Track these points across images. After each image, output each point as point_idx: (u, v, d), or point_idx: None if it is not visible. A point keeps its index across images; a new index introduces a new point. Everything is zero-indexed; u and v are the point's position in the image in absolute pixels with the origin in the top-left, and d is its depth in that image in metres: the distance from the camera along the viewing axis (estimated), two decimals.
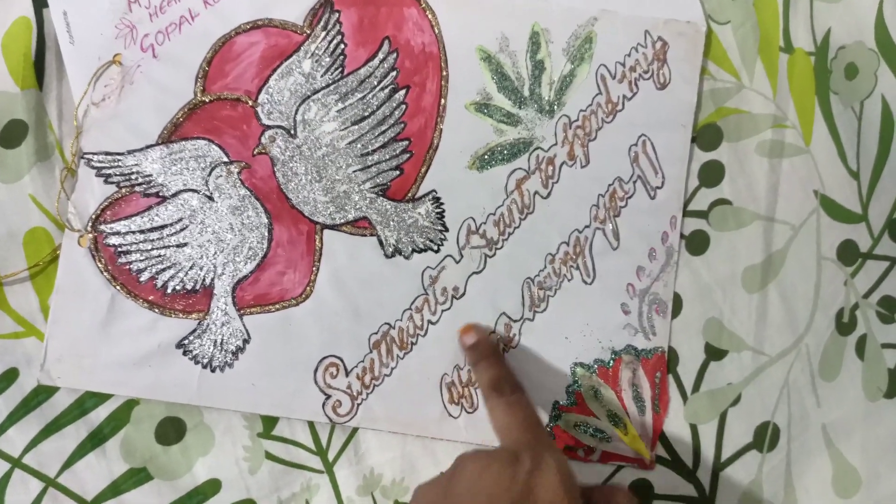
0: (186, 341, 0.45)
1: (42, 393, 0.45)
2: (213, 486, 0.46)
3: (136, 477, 0.45)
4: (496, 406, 0.40)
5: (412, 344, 0.46)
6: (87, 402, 0.45)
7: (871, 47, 0.49)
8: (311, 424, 0.46)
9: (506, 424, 0.39)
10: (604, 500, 0.39)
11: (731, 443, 0.47)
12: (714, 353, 0.47)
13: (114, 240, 0.45)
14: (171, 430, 0.45)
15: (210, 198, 0.45)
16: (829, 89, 0.49)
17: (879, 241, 0.49)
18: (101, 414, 0.45)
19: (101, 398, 0.45)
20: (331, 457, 0.46)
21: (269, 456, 0.46)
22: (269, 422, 0.46)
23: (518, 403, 0.40)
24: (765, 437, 0.47)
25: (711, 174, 0.48)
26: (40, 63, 0.45)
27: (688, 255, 0.47)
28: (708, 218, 0.48)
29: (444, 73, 0.47)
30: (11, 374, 0.45)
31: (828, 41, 0.49)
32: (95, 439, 0.45)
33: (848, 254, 0.48)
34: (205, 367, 0.45)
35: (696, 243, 0.47)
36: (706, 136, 0.48)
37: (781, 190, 0.48)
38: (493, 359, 0.44)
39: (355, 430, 0.46)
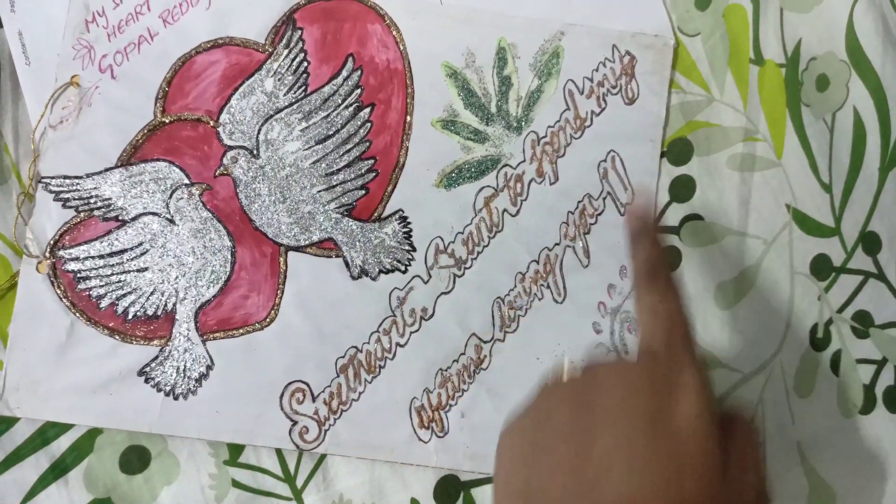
0: (148, 368, 0.44)
1: (2, 423, 0.44)
2: None
3: None
4: (647, 293, 0.33)
5: (380, 367, 0.45)
6: (48, 431, 0.44)
7: (843, 58, 0.49)
8: (279, 451, 0.45)
9: (653, 317, 0.32)
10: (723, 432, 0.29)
11: None
12: None
13: (73, 265, 0.44)
14: (134, 459, 0.44)
15: (171, 221, 0.44)
16: (801, 101, 0.48)
17: (853, 254, 0.48)
18: (62, 444, 0.44)
19: (63, 428, 0.44)
20: (299, 483, 0.45)
21: (236, 483, 0.45)
22: (235, 449, 0.45)
23: (673, 295, 0.32)
24: None
25: (682, 189, 0.47)
26: None
27: None
28: (679, 234, 0.47)
29: (410, 90, 0.46)
30: None
31: (798, 52, 0.49)
32: (57, 469, 0.44)
33: (821, 268, 0.48)
34: (167, 394, 0.44)
35: (669, 260, 0.47)
36: (676, 150, 0.47)
37: (753, 204, 0.48)
38: (655, 236, 0.35)
39: (323, 455, 0.45)
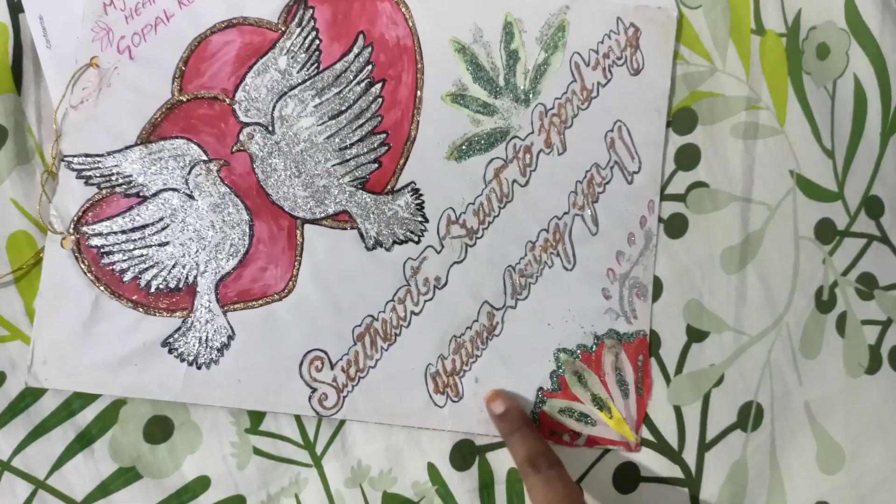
0: (171, 339, 0.45)
1: (29, 396, 0.45)
2: (201, 484, 0.46)
3: (125, 476, 0.45)
4: (534, 483, 0.40)
5: (396, 335, 0.46)
6: (73, 403, 0.45)
7: (842, 27, 0.50)
8: (298, 419, 0.46)
9: (544, 501, 0.40)
10: None
11: (715, 423, 0.47)
12: (695, 335, 0.48)
13: (96, 241, 0.45)
14: (158, 429, 0.46)
15: (190, 196, 0.46)
16: (802, 70, 0.49)
17: (856, 218, 0.49)
18: (88, 415, 0.45)
19: (88, 399, 0.45)
20: (318, 450, 0.46)
21: (257, 451, 0.46)
22: (256, 417, 0.46)
23: (557, 478, 0.40)
24: (748, 417, 0.48)
25: (687, 157, 0.48)
26: (18, 68, 0.46)
27: (666, 238, 0.48)
28: (685, 201, 0.48)
29: (420, 66, 0.48)
30: None
31: (798, 22, 0.50)
32: (83, 440, 0.45)
33: (825, 232, 0.49)
34: (190, 364, 0.45)
35: (675, 227, 0.48)
36: (681, 119, 0.48)
37: (757, 171, 0.49)
38: (527, 430, 0.43)
39: (342, 422, 0.46)
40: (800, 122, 0.49)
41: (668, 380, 0.47)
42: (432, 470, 0.46)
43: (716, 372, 0.47)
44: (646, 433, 0.47)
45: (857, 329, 0.49)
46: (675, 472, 0.47)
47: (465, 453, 0.46)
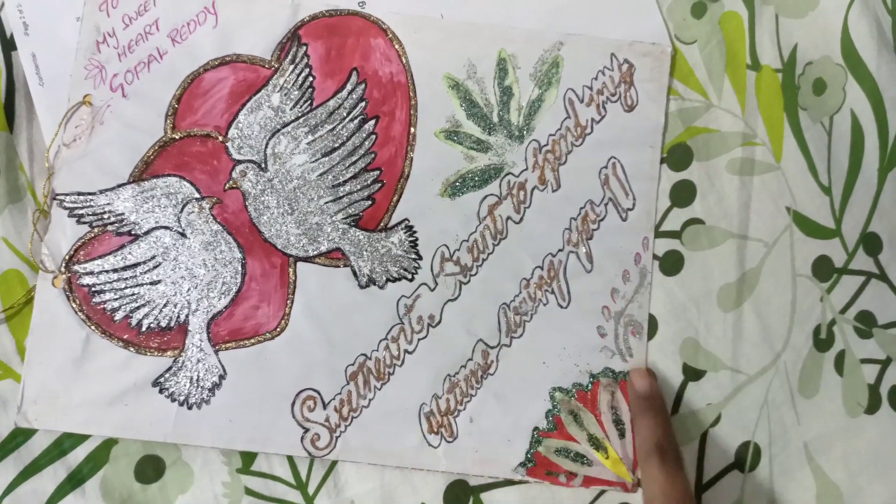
0: (162, 379, 0.45)
1: (19, 435, 0.45)
2: None
3: None
4: (656, 474, 0.40)
5: (389, 374, 0.46)
6: (64, 442, 0.45)
7: (839, 62, 0.50)
8: (290, 458, 0.46)
9: (662, 496, 0.39)
10: None
11: (712, 464, 0.47)
12: (692, 374, 0.47)
13: (87, 280, 0.45)
14: (149, 469, 0.45)
15: (182, 234, 0.46)
16: (798, 105, 0.49)
17: (854, 255, 0.49)
18: (79, 454, 0.45)
19: (79, 439, 0.45)
20: (311, 490, 0.46)
21: (249, 491, 0.45)
22: (248, 457, 0.46)
23: (680, 477, 0.40)
24: (746, 457, 0.47)
25: (683, 194, 0.48)
26: (10, 105, 0.46)
27: (662, 275, 0.47)
28: (681, 238, 0.48)
29: (413, 102, 0.47)
30: None
31: (794, 57, 0.49)
32: (74, 480, 0.45)
33: (823, 269, 0.48)
34: (181, 404, 0.45)
35: (670, 263, 0.48)
36: (676, 155, 0.48)
37: (753, 207, 0.48)
38: (663, 416, 0.43)
39: (334, 462, 0.46)
40: (796, 159, 0.49)
41: None
42: None
43: (713, 411, 0.47)
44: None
45: (855, 368, 0.48)
46: None
47: (458, 493, 0.46)
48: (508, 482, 0.46)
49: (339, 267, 0.46)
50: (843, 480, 0.47)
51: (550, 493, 0.46)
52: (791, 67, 0.49)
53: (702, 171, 0.48)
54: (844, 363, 0.48)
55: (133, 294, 0.45)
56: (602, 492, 0.46)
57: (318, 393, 0.45)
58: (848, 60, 0.50)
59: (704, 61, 0.49)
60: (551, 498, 0.46)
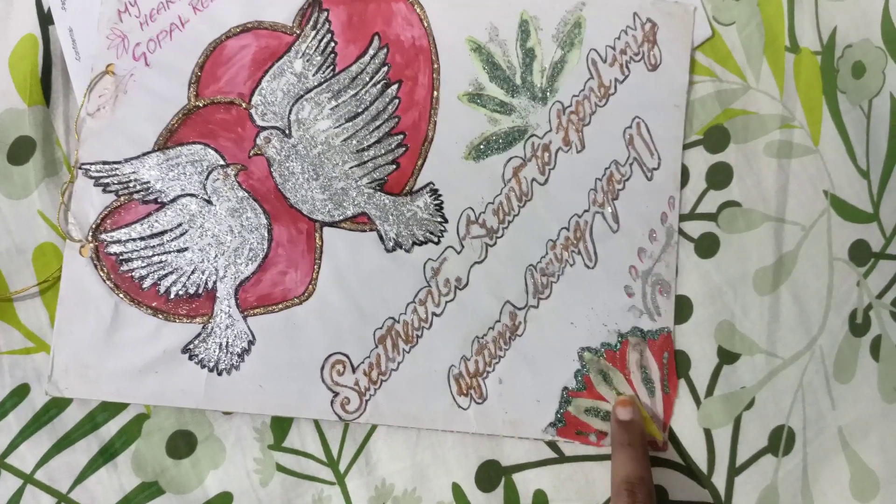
0: (192, 346, 0.45)
1: (53, 408, 0.45)
2: (224, 499, 0.45)
3: (148, 491, 0.45)
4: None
5: (417, 337, 0.46)
6: (97, 416, 0.45)
7: (879, 45, 0.49)
8: (322, 435, 0.45)
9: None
10: None
11: (746, 447, 0.46)
12: (727, 357, 0.47)
13: (115, 248, 0.45)
14: (181, 444, 0.45)
15: (208, 201, 0.46)
16: (837, 88, 0.49)
17: (891, 240, 0.48)
18: (111, 428, 0.45)
19: (112, 412, 0.45)
20: (342, 468, 0.46)
21: (280, 468, 0.45)
22: (280, 433, 0.45)
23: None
24: (780, 441, 0.46)
25: (719, 176, 0.48)
26: (47, 79, 0.46)
27: (697, 257, 0.47)
28: (717, 220, 0.47)
29: (436, 66, 0.47)
30: (22, 390, 0.45)
31: (834, 40, 0.49)
32: (107, 454, 0.45)
33: (860, 254, 0.48)
34: (211, 370, 0.45)
35: (706, 246, 0.47)
36: (713, 138, 0.48)
37: (791, 190, 0.48)
38: (639, 450, 0.42)
39: (366, 439, 0.46)
40: (834, 142, 0.48)
41: (698, 402, 0.46)
42: (457, 490, 0.46)
43: (747, 395, 0.46)
44: (675, 456, 0.46)
45: (892, 353, 0.48)
46: (704, 496, 0.46)
47: (490, 474, 0.46)
48: (541, 462, 0.46)
49: (365, 231, 0.46)
50: (879, 466, 0.47)
51: (583, 473, 0.46)
52: (830, 50, 0.49)
53: (739, 153, 0.48)
54: (881, 348, 0.48)
55: (161, 262, 0.45)
56: None
57: (347, 357, 0.45)
58: (888, 44, 0.49)
59: (743, 43, 0.48)
60: (583, 477, 0.46)
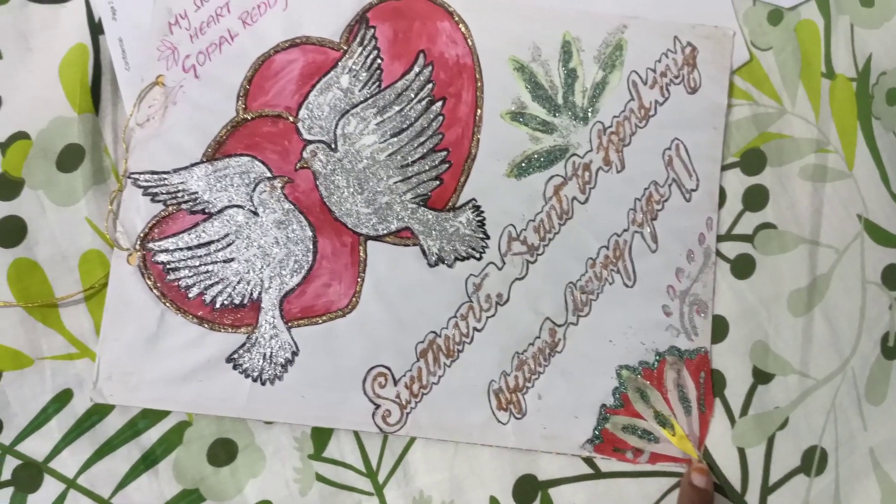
0: (236, 355, 0.45)
1: (95, 414, 0.45)
2: None
3: (188, 498, 0.45)
4: None
5: (458, 352, 0.46)
6: (139, 423, 0.45)
7: None
8: (361, 446, 0.46)
9: None
10: None
11: (778, 467, 0.47)
12: (761, 377, 0.47)
13: (162, 257, 0.46)
14: (222, 452, 0.46)
15: (255, 213, 0.46)
16: (871, 114, 0.50)
17: None
18: (153, 435, 0.45)
19: (153, 419, 0.45)
20: (381, 479, 0.46)
21: (320, 478, 0.46)
22: (320, 443, 0.46)
23: None
24: (812, 461, 0.47)
25: (755, 198, 0.49)
26: (96, 88, 0.46)
27: (733, 278, 0.48)
28: (753, 241, 0.48)
29: (479, 84, 0.48)
30: (65, 396, 0.45)
31: (869, 67, 0.50)
32: (148, 460, 0.45)
33: (892, 277, 0.49)
34: (255, 380, 0.45)
35: (742, 267, 0.48)
36: (750, 160, 0.49)
37: (825, 214, 0.49)
38: None
39: (405, 451, 0.46)
40: (868, 167, 0.49)
41: (732, 421, 0.47)
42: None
43: (780, 415, 0.47)
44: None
45: None
46: None
47: (527, 488, 0.46)
48: (577, 478, 0.46)
49: (408, 246, 0.47)
50: None
51: (618, 489, 0.46)
52: (865, 77, 0.50)
53: (775, 176, 0.49)
54: None
55: (207, 271, 0.46)
56: (667, 492, 0.46)
57: (389, 370, 0.46)
58: None
59: (779, 68, 0.49)
60: (618, 494, 0.46)
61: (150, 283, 0.45)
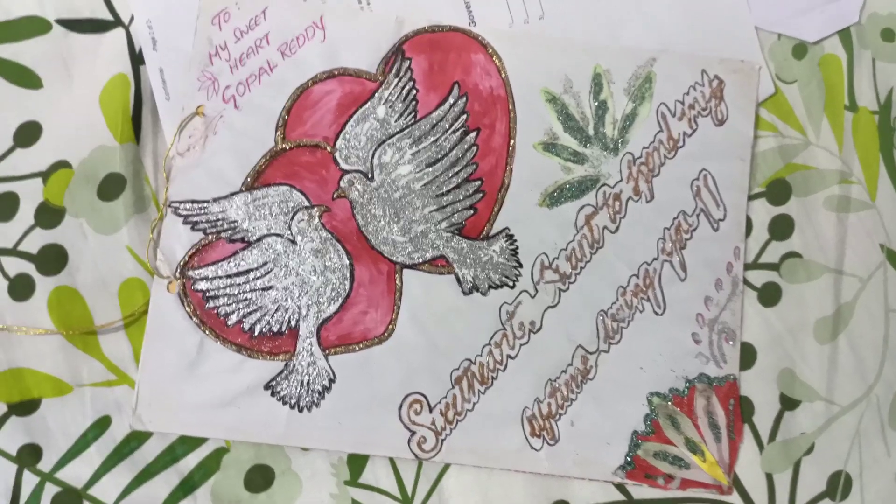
0: (274, 382, 0.46)
1: (133, 440, 0.46)
2: None
3: None
4: None
5: (492, 379, 0.47)
6: (177, 449, 0.46)
7: None
8: (397, 472, 0.46)
9: None
10: None
11: (804, 492, 0.48)
12: (788, 403, 0.48)
13: (202, 285, 0.46)
14: (259, 477, 0.46)
15: (293, 241, 0.47)
16: (894, 146, 0.51)
17: None
18: (190, 462, 0.46)
19: (192, 445, 0.46)
20: None
21: (356, 503, 0.46)
22: (356, 469, 0.46)
23: None
24: (838, 486, 0.48)
25: (781, 227, 0.50)
26: (137, 118, 0.47)
27: (760, 306, 0.49)
28: (779, 270, 0.49)
29: (512, 115, 0.49)
30: (104, 422, 0.46)
31: (891, 100, 0.52)
32: (186, 486, 0.46)
33: None
34: (292, 407, 0.46)
35: (769, 294, 0.49)
36: (775, 190, 0.50)
37: (849, 243, 0.50)
38: None
39: (440, 477, 0.47)
40: (891, 198, 0.51)
41: (761, 447, 0.48)
42: None
43: (806, 441, 0.48)
44: (738, 500, 0.47)
45: None
46: None
47: None
48: None
49: (443, 274, 0.48)
50: None
51: None
52: (887, 110, 0.51)
53: (800, 206, 0.50)
54: None
55: (246, 299, 0.46)
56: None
57: (425, 396, 0.46)
58: None
59: (804, 101, 0.51)
60: None
61: (189, 310, 0.46)
